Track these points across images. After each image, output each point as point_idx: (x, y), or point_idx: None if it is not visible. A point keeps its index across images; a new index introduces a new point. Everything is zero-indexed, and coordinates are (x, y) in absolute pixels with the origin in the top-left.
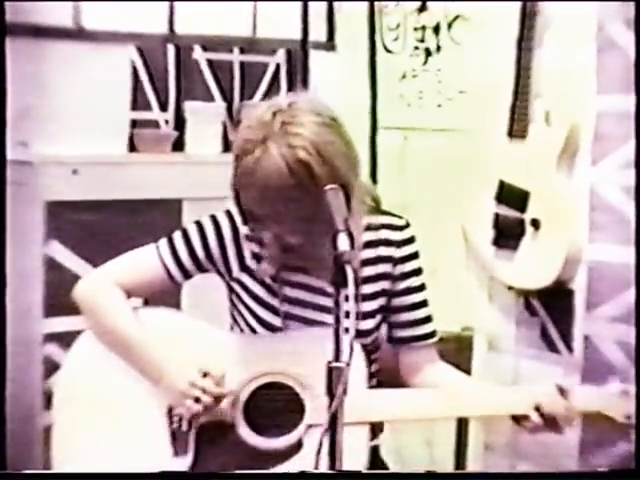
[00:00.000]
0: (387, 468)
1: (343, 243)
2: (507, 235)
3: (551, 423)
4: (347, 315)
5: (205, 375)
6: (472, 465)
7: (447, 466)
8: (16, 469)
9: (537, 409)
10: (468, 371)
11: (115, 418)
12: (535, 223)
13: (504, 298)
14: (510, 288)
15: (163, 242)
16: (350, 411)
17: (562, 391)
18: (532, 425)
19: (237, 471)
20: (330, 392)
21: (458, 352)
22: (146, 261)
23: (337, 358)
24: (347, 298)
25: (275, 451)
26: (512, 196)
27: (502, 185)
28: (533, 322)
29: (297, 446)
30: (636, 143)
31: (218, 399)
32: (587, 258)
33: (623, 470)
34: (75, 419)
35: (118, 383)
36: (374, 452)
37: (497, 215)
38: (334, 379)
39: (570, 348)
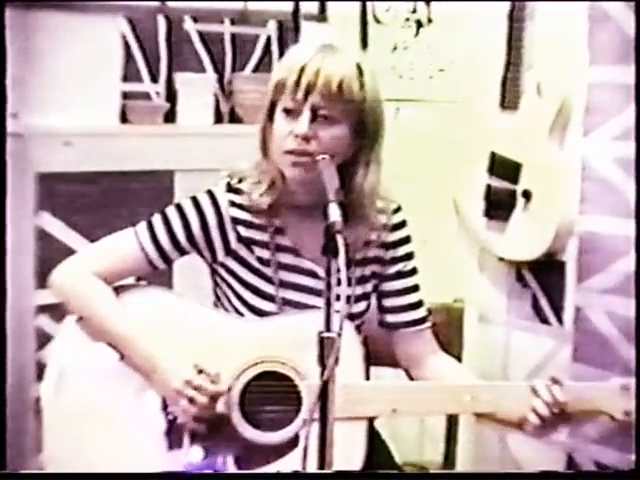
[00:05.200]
0: (388, 448)
1: (334, 213)
2: (499, 206)
3: (549, 424)
4: (338, 297)
5: (200, 372)
6: (461, 459)
7: (436, 458)
8: (9, 440)
9: (534, 410)
10: (459, 342)
11: (107, 410)
12: (527, 194)
13: (495, 269)
14: (501, 259)
15: (142, 227)
16: (347, 405)
17: (556, 382)
18: (530, 428)
19: (234, 465)
20: (322, 362)
21: (449, 324)
22: (124, 247)
23: (328, 328)
24: (339, 274)
25: (272, 445)
26: (504, 167)
27: (494, 156)
28: (524, 293)
29: (294, 441)
30: (636, 114)
31: (214, 398)
32: (578, 229)
33: (623, 470)
34: (64, 411)
35: (108, 374)
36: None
37: (489, 186)
38: (326, 349)
39: (561, 319)
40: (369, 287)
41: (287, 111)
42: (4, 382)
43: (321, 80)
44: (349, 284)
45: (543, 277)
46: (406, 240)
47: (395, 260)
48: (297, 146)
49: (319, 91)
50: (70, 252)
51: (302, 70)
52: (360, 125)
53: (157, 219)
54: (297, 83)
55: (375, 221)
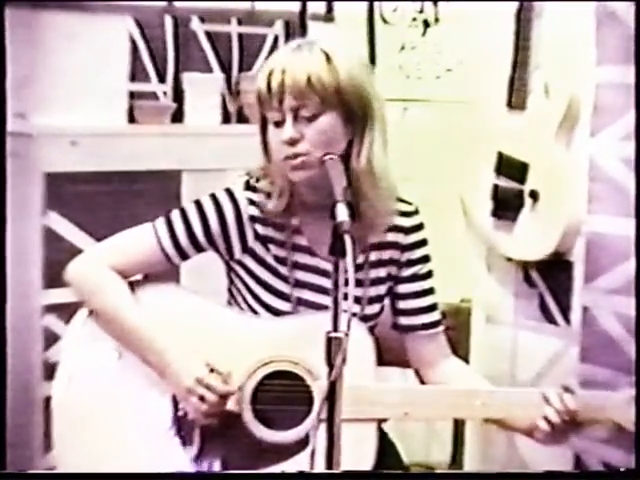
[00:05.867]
0: (396, 449)
1: (342, 213)
2: (506, 207)
3: (559, 431)
4: (346, 294)
5: (212, 371)
6: (469, 459)
7: (444, 459)
8: (16, 440)
9: (545, 418)
10: (467, 342)
11: (117, 409)
12: (534, 194)
13: (503, 269)
14: (509, 259)
15: (160, 222)
16: (358, 407)
17: (567, 390)
18: (540, 435)
19: (243, 464)
20: (329, 362)
21: (456, 324)
22: (142, 241)
23: (335, 328)
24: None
25: (283, 445)
26: (511, 167)
27: (501, 156)
28: (532, 293)
29: (305, 440)
30: (636, 115)
31: (224, 397)
32: (586, 229)
33: (623, 470)
34: (74, 409)
35: (119, 367)
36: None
37: (496, 186)
38: (333, 349)
39: (568, 320)
40: (384, 289)
41: (275, 123)
42: (4, 382)
43: (288, 80)
44: (362, 285)
45: (550, 277)
46: (423, 243)
47: (411, 262)
48: (289, 151)
49: (290, 92)
50: (78, 252)
51: (270, 75)
52: (348, 112)
53: (176, 215)
54: (269, 89)
55: (389, 222)
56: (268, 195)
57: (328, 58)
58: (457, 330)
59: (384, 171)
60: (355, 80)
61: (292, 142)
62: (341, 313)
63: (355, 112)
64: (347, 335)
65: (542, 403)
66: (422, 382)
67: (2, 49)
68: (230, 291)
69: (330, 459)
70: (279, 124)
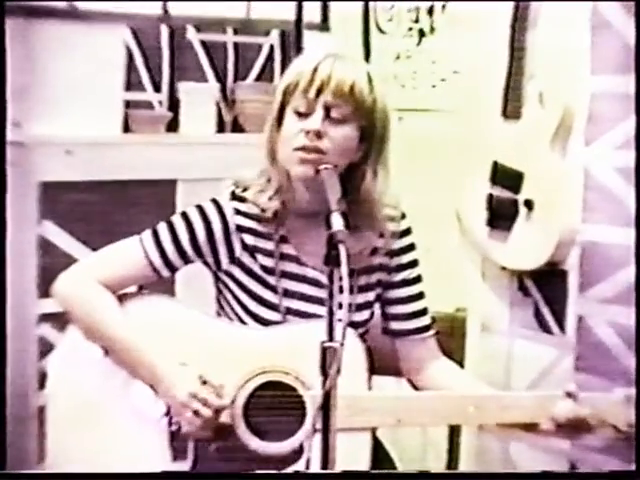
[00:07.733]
0: (390, 458)
1: (337, 223)
2: (501, 216)
3: (567, 430)
4: (340, 304)
5: (204, 383)
6: (464, 468)
7: (439, 467)
8: (10, 449)
9: (553, 419)
10: (462, 351)
11: (110, 420)
12: (529, 204)
13: (498, 279)
14: (504, 269)
15: (147, 235)
16: (351, 416)
17: (570, 396)
18: (547, 429)
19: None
20: (324, 372)
21: (451, 333)
22: (129, 255)
23: (330, 338)
24: (341, 283)
25: (277, 456)
26: (506, 177)
27: (496, 166)
28: (526, 302)
29: (299, 451)
30: (637, 124)
31: (218, 411)
32: (580, 239)
33: (623, 471)
34: (68, 420)
35: (112, 383)
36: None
37: (491, 196)
38: (328, 359)
39: (563, 329)
40: (372, 295)
41: (299, 113)
42: (4, 391)
43: (333, 82)
44: (351, 292)
45: (545, 286)
46: (411, 247)
47: (400, 267)
48: (309, 142)
49: (331, 91)
50: (72, 261)
51: (315, 71)
52: (369, 129)
53: (162, 227)
54: (310, 83)
55: (382, 228)
56: (256, 205)
57: (370, 78)
58: (452, 338)
59: (383, 194)
60: (384, 104)
61: (316, 134)
62: (336, 322)
63: (376, 131)
64: (342, 345)
65: (535, 406)
66: (415, 387)
67: (2, 59)
68: (219, 302)
69: (325, 469)
70: (303, 115)
